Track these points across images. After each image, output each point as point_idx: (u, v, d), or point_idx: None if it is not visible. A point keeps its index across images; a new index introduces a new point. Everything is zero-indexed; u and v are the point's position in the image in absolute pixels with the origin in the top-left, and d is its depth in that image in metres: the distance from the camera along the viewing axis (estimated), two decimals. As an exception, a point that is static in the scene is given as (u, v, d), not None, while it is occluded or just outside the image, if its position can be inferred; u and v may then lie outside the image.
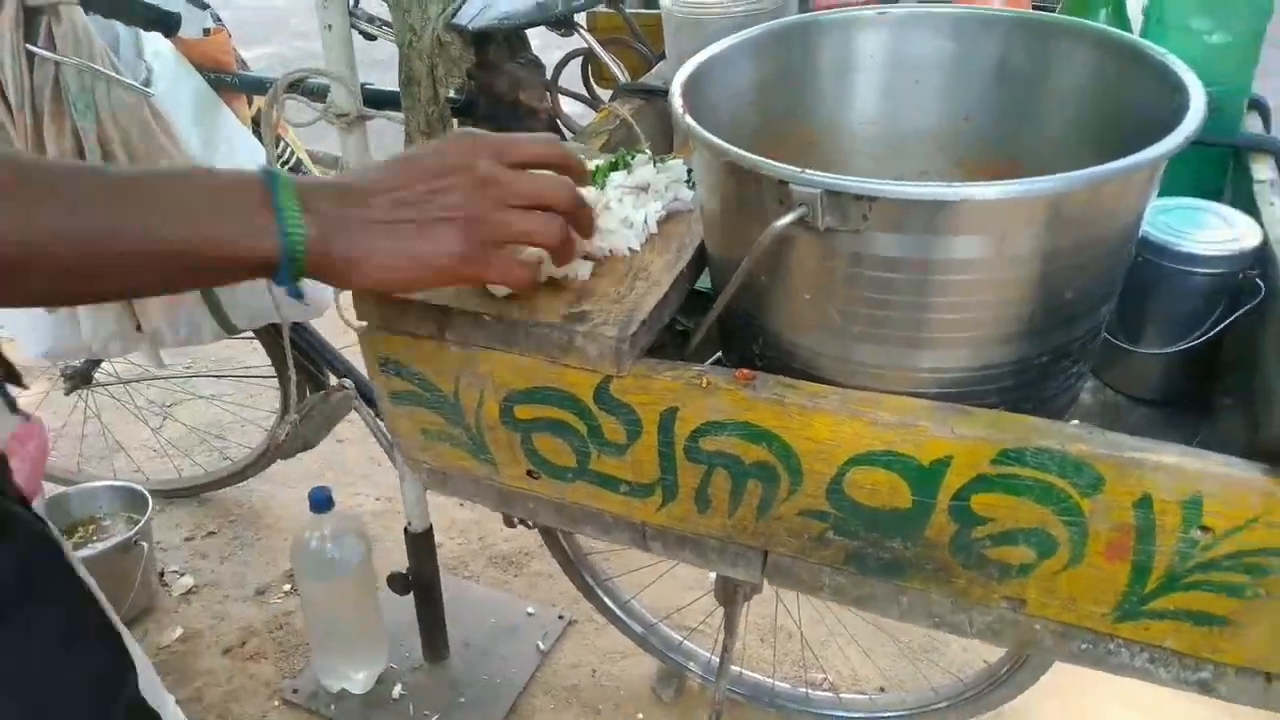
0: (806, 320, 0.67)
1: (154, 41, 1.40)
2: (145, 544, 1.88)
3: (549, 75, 1.21)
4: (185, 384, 2.56)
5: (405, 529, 1.62)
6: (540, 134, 0.71)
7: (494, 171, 0.65)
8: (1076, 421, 0.78)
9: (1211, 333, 0.74)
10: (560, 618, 1.89)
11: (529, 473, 0.80)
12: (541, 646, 1.83)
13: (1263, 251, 0.73)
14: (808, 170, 0.58)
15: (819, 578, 0.74)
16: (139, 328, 1.56)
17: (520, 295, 0.72)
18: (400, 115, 1.26)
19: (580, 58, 1.31)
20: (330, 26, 1.17)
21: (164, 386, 2.52)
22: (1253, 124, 0.93)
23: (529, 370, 0.73)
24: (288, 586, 2.01)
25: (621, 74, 1.23)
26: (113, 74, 1.32)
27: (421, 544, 1.63)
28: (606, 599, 1.72)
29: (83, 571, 0.77)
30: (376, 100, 1.30)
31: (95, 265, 0.57)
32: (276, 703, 1.76)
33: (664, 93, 0.72)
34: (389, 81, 1.34)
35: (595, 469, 0.76)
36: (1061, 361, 0.67)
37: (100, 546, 1.85)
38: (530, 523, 1.29)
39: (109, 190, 0.58)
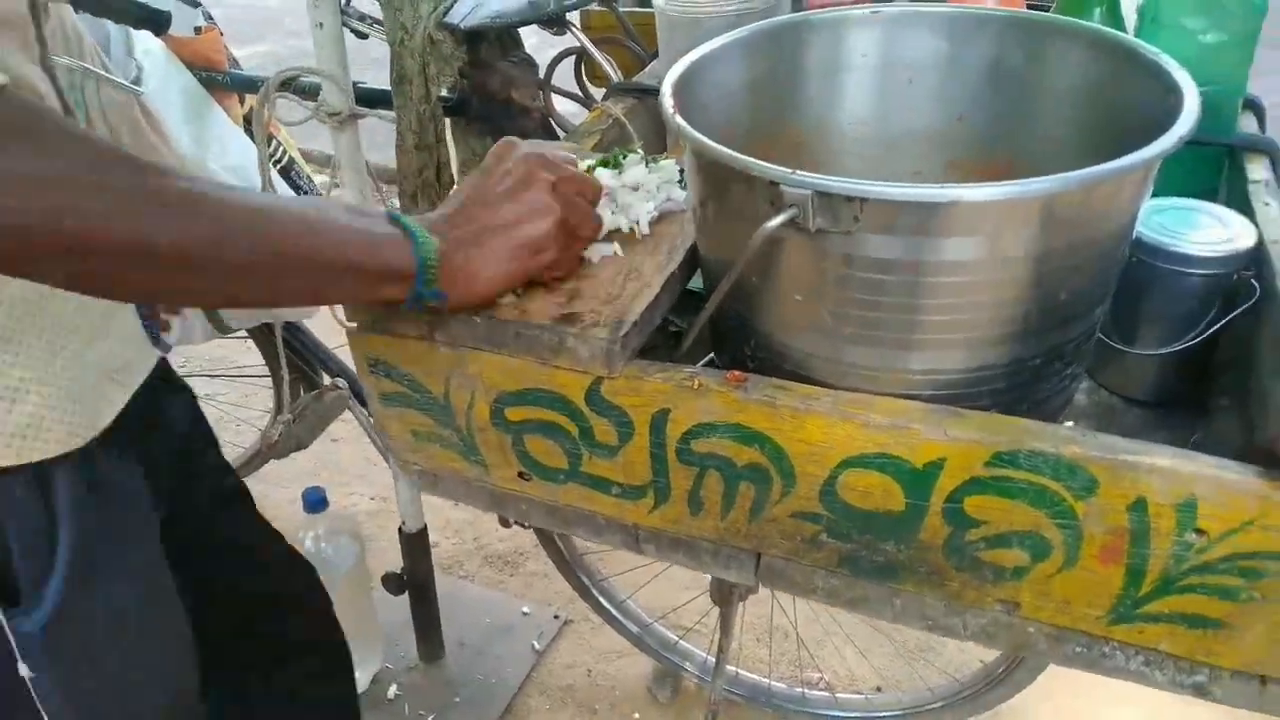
0: (798, 322, 0.66)
1: (144, 40, 1.39)
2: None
3: (542, 74, 1.20)
4: (179, 383, 2.54)
5: (400, 529, 1.61)
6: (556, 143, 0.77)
7: (558, 173, 0.73)
8: (1070, 423, 0.78)
9: (1206, 334, 0.74)
10: (556, 617, 1.89)
11: (520, 474, 0.79)
12: (537, 646, 1.83)
13: (1257, 252, 0.72)
14: (798, 171, 0.57)
15: (812, 580, 0.73)
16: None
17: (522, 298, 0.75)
18: (392, 114, 1.26)
19: (573, 56, 1.31)
20: (322, 25, 1.16)
21: (158, 386, 2.50)
22: (1248, 124, 0.93)
23: (520, 372, 0.72)
24: (282, 587, 2.00)
25: (615, 73, 1.23)
26: (102, 72, 1.30)
27: (416, 544, 1.63)
28: (602, 599, 1.71)
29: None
30: (368, 99, 1.30)
31: (252, 272, 0.63)
32: (271, 703, 1.75)
33: (657, 91, 0.71)
34: (381, 80, 1.34)
35: (587, 471, 0.76)
36: (1055, 363, 0.66)
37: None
38: (525, 523, 1.28)
39: (264, 207, 0.64)
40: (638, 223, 0.80)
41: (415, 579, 1.67)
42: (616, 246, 0.78)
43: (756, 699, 1.69)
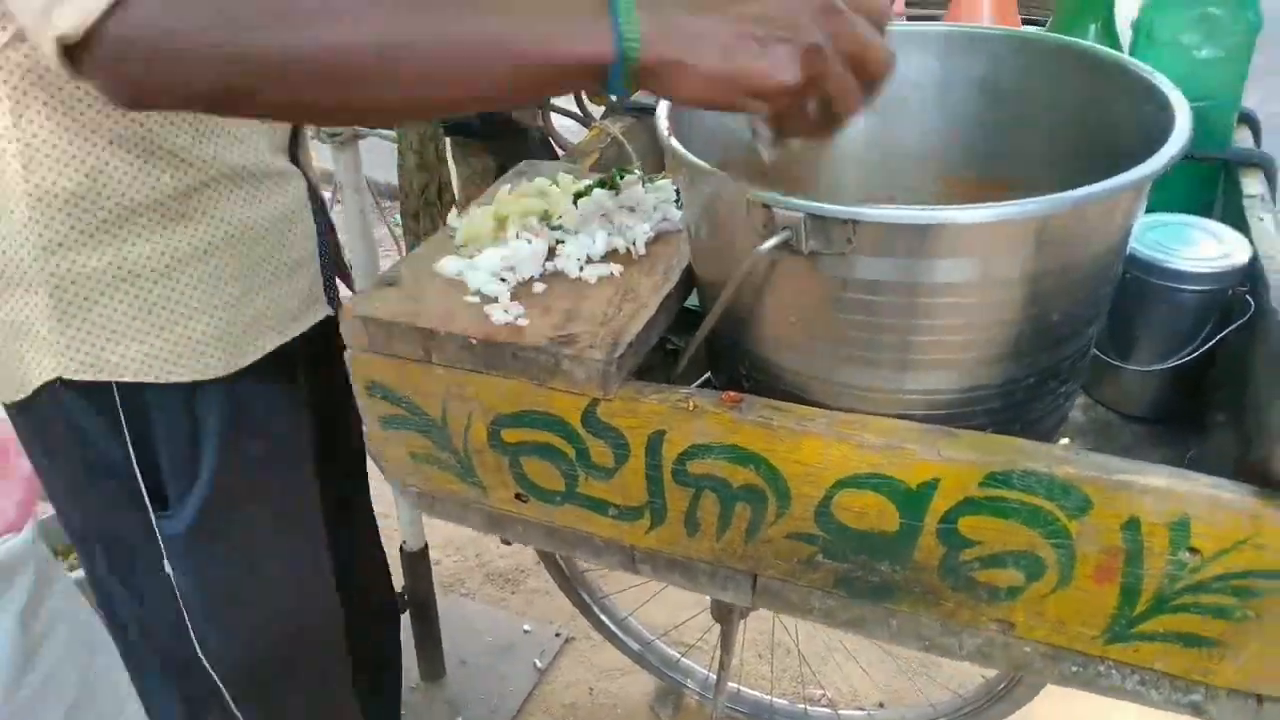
0: (793, 343, 0.66)
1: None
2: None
3: (540, 93, 1.20)
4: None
5: (400, 548, 1.61)
6: None
7: (838, 5, 0.58)
8: (1065, 441, 0.78)
9: (1201, 350, 0.74)
10: (557, 635, 1.88)
11: (517, 496, 0.79)
12: (539, 664, 1.82)
13: (1252, 267, 0.72)
14: (791, 195, 0.58)
15: (808, 601, 0.73)
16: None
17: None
18: (393, 133, 1.26)
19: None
20: (321, 47, 1.17)
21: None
22: (1243, 138, 0.93)
23: (516, 394, 0.72)
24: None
25: (613, 91, 1.23)
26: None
27: (417, 562, 1.63)
28: (603, 616, 1.71)
29: None
30: (368, 119, 1.30)
31: (439, 69, 0.59)
32: (272, 722, 1.75)
33: (655, 110, 0.72)
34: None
35: (583, 492, 0.76)
36: (1049, 383, 0.66)
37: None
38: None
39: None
40: (634, 243, 0.80)
41: (416, 598, 1.67)
42: (614, 267, 0.78)
43: (759, 716, 1.68)
